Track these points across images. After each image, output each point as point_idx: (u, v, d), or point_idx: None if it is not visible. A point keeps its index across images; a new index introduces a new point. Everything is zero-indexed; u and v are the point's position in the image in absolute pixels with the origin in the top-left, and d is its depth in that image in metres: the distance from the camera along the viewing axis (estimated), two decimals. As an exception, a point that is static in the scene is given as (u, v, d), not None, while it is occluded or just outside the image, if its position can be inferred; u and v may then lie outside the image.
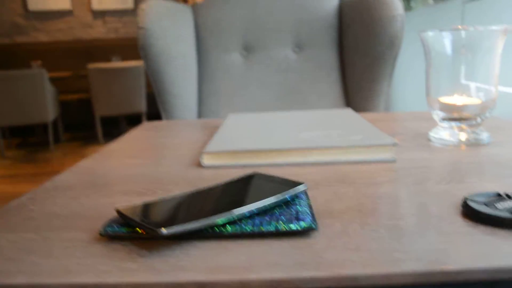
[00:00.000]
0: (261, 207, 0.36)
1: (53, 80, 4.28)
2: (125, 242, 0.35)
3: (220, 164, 0.56)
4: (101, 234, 0.36)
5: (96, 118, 4.16)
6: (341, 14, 1.49)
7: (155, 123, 0.98)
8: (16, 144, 4.63)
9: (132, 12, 5.23)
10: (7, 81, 3.75)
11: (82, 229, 0.39)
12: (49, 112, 3.95)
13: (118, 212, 0.37)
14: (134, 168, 0.59)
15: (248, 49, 1.53)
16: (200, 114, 1.48)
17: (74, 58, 5.12)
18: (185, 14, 1.51)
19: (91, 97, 4.15)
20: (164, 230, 0.32)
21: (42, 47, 5.13)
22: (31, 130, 4.96)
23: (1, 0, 5.09)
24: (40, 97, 3.86)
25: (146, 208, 0.38)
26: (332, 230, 0.35)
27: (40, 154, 4.04)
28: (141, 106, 4.11)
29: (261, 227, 0.34)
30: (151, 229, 0.33)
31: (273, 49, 1.52)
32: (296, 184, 0.40)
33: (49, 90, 3.94)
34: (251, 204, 0.36)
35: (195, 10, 1.57)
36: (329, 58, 1.48)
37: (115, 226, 0.36)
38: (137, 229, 0.35)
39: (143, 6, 1.39)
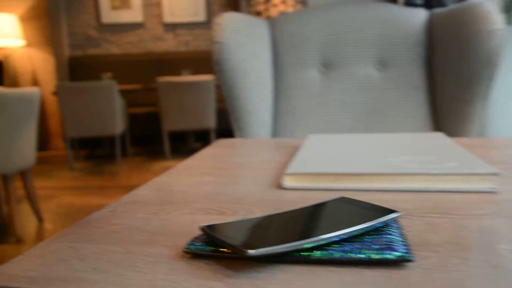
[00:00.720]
0: (351, 233, 0.37)
1: (122, 93, 4.51)
2: (208, 261, 0.37)
3: (302, 187, 0.57)
4: (185, 252, 0.38)
5: (164, 133, 4.32)
6: (430, 29, 1.47)
7: (230, 141, 1.01)
8: (83, 156, 4.92)
9: (203, 25, 5.42)
10: (78, 92, 4.01)
11: (165, 245, 0.41)
12: (118, 125, 4.16)
13: (203, 230, 0.39)
14: (212, 186, 0.62)
15: (327, 66, 1.54)
16: (274, 132, 1.50)
17: (144, 71, 5.38)
18: (261, 29, 1.55)
19: (159, 111, 4.33)
20: (252, 251, 0.33)
21: (113, 59, 5.44)
22: (98, 142, 5.25)
23: (75, 13, 5.48)
24: (109, 109, 4.08)
25: (231, 227, 0.39)
26: (429, 263, 0.35)
27: (107, 167, 4.25)
28: (210, 122, 4.23)
29: (351, 254, 0.35)
30: (239, 249, 0.34)
31: (354, 66, 1.52)
32: (388, 211, 0.40)
33: (118, 103, 4.17)
34: (341, 230, 0.36)
35: (272, 24, 1.60)
36: (416, 77, 1.46)
37: (199, 244, 0.38)
38: (222, 248, 0.37)
39: (219, 20, 1.44)
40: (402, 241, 0.37)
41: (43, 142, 5.33)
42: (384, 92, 1.48)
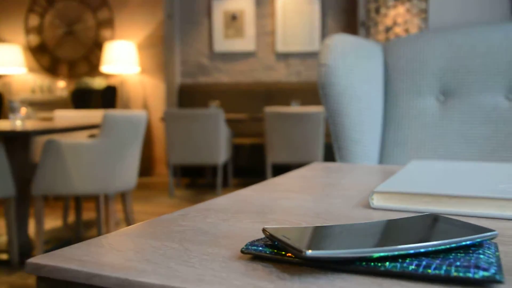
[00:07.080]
0: (431, 248, 0.34)
1: (229, 122, 4.67)
2: (266, 263, 0.36)
3: (392, 207, 0.54)
4: (242, 252, 0.37)
5: (267, 165, 4.38)
6: None
7: (326, 164, 0.99)
8: (185, 184, 5.13)
9: (316, 55, 5.49)
10: (184, 119, 4.22)
11: (225, 247, 0.41)
12: (221, 154, 4.30)
13: (264, 231, 0.38)
14: (294, 201, 0.60)
15: (446, 94, 1.47)
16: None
17: (252, 101, 5.54)
18: (374, 52, 1.53)
19: (264, 142, 4.41)
20: (309, 251, 0.32)
21: (222, 88, 5.68)
22: (200, 171, 5.45)
23: (189, 41, 5.83)
24: (214, 138, 4.24)
25: (297, 232, 0.38)
26: (525, 289, 0.31)
27: (207, 197, 4.39)
28: (317, 156, 4.21)
29: (428, 269, 0.31)
30: (296, 250, 0.33)
31: (479, 95, 1.43)
32: (482, 230, 0.36)
33: (223, 132, 4.31)
34: (420, 243, 0.34)
35: (386, 48, 1.58)
36: (553, 109, 1.34)
37: (258, 245, 0.37)
38: (282, 252, 0.36)
39: (327, 41, 1.45)
40: (494, 262, 0.33)
41: (148, 168, 5.66)
42: (513, 126, 1.37)
